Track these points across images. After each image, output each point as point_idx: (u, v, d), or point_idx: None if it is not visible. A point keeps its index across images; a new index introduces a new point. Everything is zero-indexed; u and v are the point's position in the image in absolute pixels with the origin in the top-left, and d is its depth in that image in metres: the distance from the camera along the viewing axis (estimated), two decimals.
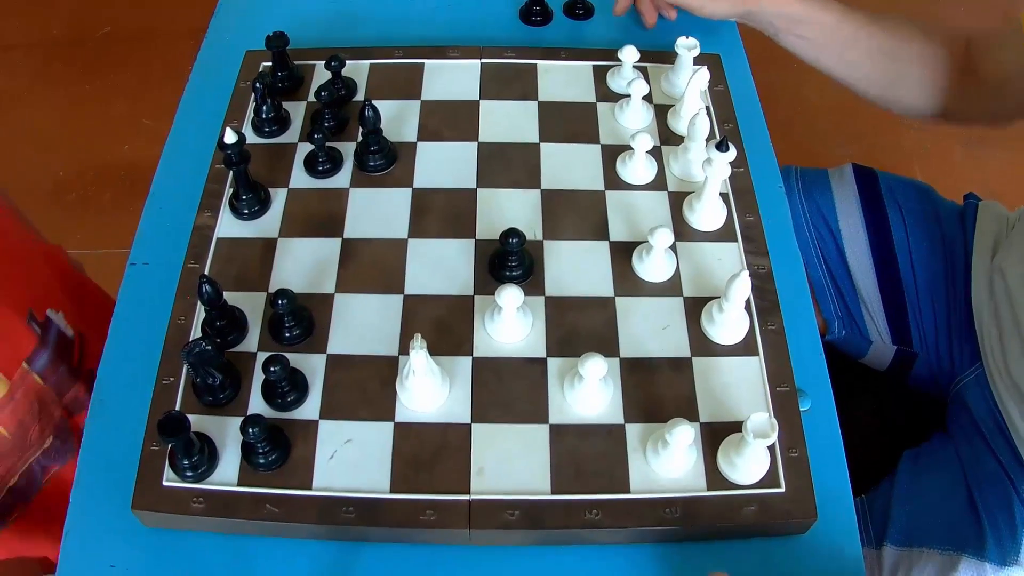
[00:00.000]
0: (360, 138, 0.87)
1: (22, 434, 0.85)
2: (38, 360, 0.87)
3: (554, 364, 0.73)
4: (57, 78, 2.25)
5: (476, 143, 0.89)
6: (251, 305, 0.77)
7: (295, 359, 0.72)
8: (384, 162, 0.87)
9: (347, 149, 0.88)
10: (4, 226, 0.86)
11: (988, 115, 1.00)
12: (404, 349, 0.74)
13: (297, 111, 0.92)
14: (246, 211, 0.83)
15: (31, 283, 0.91)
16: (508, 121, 0.91)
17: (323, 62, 0.91)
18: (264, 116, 0.89)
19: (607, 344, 0.74)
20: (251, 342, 0.75)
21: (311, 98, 0.93)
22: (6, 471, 0.85)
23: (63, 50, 2.32)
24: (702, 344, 0.75)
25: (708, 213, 0.82)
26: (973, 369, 1.00)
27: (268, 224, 0.83)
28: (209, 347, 0.66)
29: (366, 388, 0.72)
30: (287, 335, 0.74)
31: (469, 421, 0.70)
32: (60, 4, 2.44)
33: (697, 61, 0.91)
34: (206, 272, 0.78)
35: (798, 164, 1.17)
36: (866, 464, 1.03)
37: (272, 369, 0.67)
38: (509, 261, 0.78)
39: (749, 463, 0.67)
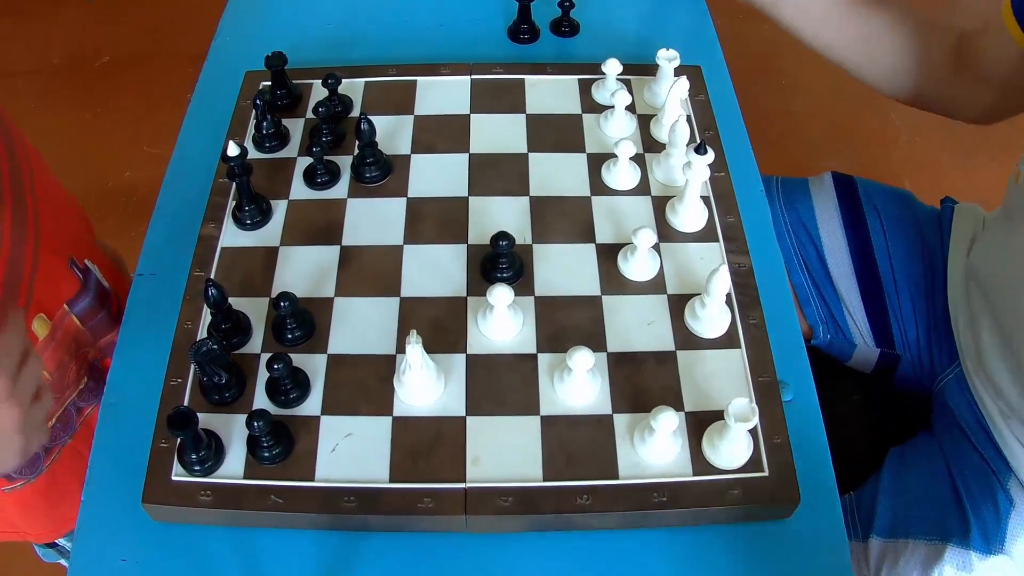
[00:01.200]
0: (356, 151, 0.90)
1: (61, 375, 0.87)
2: (79, 303, 0.89)
3: (544, 359, 0.77)
4: (58, 104, 2.29)
5: (467, 154, 0.93)
6: (254, 309, 0.80)
7: (297, 359, 0.75)
8: (380, 174, 0.90)
9: (344, 162, 0.92)
10: (44, 175, 0.89)
11: (983, 113, 1.01)
12: (401, 348, 0.77)
13: (296, 127, 0.96)
14: (249, 221, 0.86)
15: (71, 232, 0.94)
16: (498, 133, 0.95)
17: (320, 80, 0.94)
18: (265, 132, 0.93)
19: (595, 340, 0.78)
20: (255, 344, 0.78)
21: (309, 114, 0.97)
22: None
23: (64, 77, 2.36)
24: (686, 338, 0.78)
25: (690, 215, 0.85)
26: (952, 368, 1.03)
27: (270, 233, 0.86)
28: (216, 346, 0.70)
29: (365, 385, 0.75)
30: (289, 336, 0.77)
31: (464, 414, 0.73)
32: (60, 31, 2.48)
33: (678, 72, 0.95)
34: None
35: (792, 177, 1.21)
36: (854, 463, 1.06)
37: (275, 367, 0.70)
38: (500, 263, 0.81)
39: (732, 448, 0.70)
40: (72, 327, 0.88)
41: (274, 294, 0.80)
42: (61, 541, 1.02)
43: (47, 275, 0.85)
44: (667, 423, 0.67)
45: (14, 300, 0.80)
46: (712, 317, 0.78)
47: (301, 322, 0.78)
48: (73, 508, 0.72)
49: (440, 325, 0.79)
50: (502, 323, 0.77)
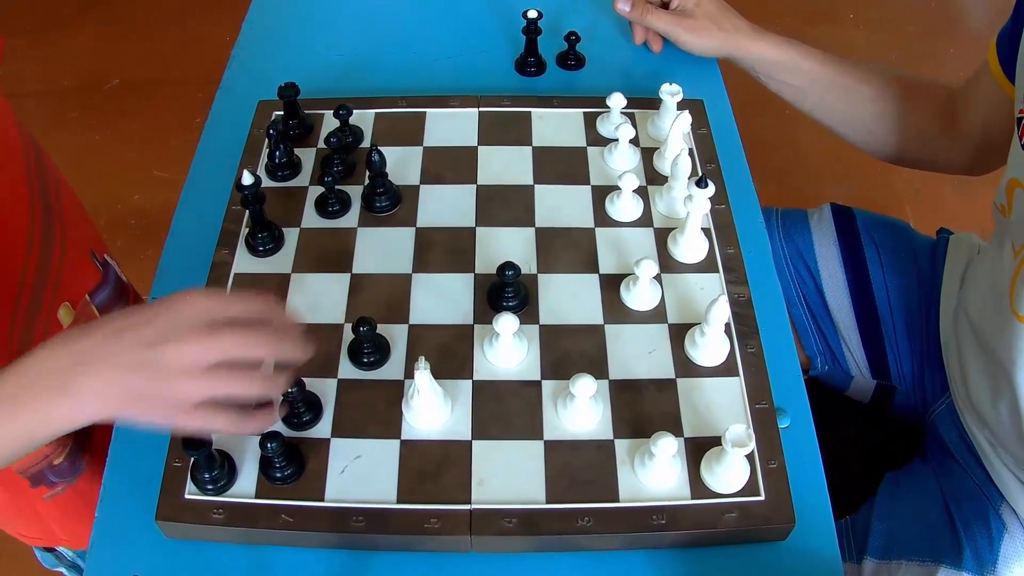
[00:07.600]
0: (367, 181, 0.93)
1: None
2: (99, 295, 0.93)
3: (548, 386, 0.79)
4: (68, 126, 2.31)
5: (475, 185, 0.95)
6: None
7: (309, 383, 0.77)
8: (390, 203, 0.93)
9: (355, 192, 0.94)
10: (65, 185, 0.93)
11: (969, 165, 1.05)
12: (409, 373, 0.79)
13: (308, 156, 0.98)
14: (261, 249, 0.89)
15: (89, 227, 0.98)
16: (505, 165, 0.97)
17: (332, 111, 0.97)
18: (277, 161, 0.95)
19: (597, 367, 0.80)
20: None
21: (321, 144, 0.99)
22: None
23: (74, 99, 2.39)
24: (686, 366, 0.81)
25: (691, 246, 0.88)
26: (944, 399, 1.05)
27: (282, 261, 0.89)
28: None
29: (374, 409, 0.78)
30: None
31: (470, 438, 0.76)
32: (72, 54, 2.51)
33: (681, 106, 0.97)
34: None
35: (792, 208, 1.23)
36: (850, 488, 1.08)
37: (290, 390, 0.73)
38: (506, 292, 0.84)
39: (730, 473, 0.72)
40: (93, 318, 0.91)
41: None
42: (61, 549, 1.04)
43: (72, 265, 0.89)
44: (667, 448, 0.70)
45: (44, 285, 0.84)
46: (711, 346, 0.80)
47: None
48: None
49: (447, 352, 0.81)
50: (508, 350, 0.79)
